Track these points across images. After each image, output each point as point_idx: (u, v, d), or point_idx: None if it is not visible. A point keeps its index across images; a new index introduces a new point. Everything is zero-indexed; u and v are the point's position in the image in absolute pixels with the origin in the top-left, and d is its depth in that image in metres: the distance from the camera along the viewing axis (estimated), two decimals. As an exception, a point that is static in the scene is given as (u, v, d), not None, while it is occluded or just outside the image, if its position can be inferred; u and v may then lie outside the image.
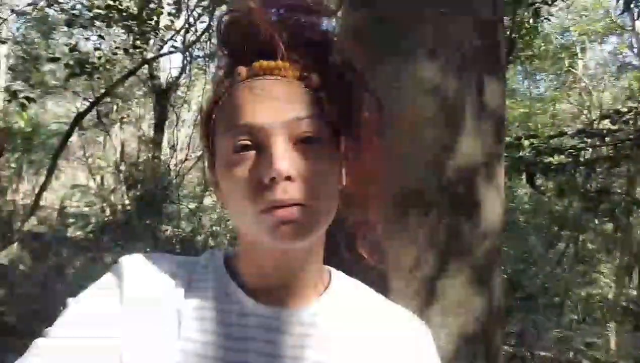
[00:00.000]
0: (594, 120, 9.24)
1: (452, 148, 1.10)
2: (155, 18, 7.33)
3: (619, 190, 6.83)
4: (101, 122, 9.01)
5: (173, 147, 9.37)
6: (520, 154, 4.08)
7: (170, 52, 8.87)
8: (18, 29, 8.98)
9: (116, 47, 7.64)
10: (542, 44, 9.85)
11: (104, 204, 8.41)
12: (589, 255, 9.10)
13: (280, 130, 0.52)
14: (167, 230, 8.00)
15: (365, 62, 0.62)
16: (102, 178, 9.67)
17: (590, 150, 5.21)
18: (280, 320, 0.57)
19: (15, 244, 7.06)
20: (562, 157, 4.01)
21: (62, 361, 0.50)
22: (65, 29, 7.94)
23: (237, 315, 0.57)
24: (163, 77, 9.49)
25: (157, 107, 9.21)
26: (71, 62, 6.37)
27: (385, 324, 0.62)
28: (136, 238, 7.12)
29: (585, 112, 10.51)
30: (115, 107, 9.94)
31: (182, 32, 8.85)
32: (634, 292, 8.00)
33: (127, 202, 8.37)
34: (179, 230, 8.10)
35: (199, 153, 9.04)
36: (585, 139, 4.04)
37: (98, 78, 7.66)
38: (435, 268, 1.06)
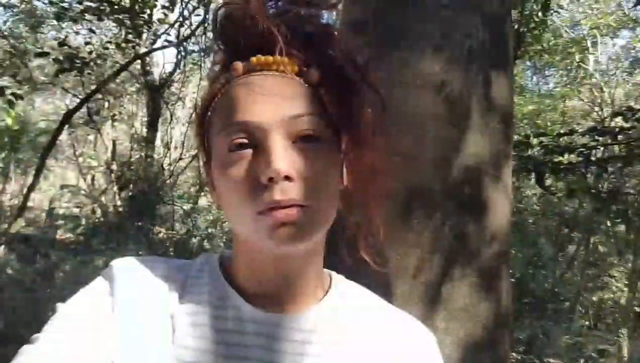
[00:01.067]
0: (606, 117, 9.22)
1: (458, 147, 1.08)
2: (148, 11, 7.29)
3: (632, 191, 6.78)
4: (92, 120, 8.99)
5: (167, 146, 9.40)
6: (529, 152, 4.02)
7: (164, 47, 8.87)
8: (5, 22, 8.99)
9: (107, 42, 7.76)
10: (552, 38, 9.85)
11: (95, 205, 8.39)
12: (600, 258, 9.10)
13: (279, 128, 0.51)
14: (160, 232, 7.98)
15: (368, 57, 0.61)
16: (92, 178, 9.68)
17: (602, 148, 5.11)
18: (279, 326, 0.56)
19: (2, 247, 7.10)
20: (573, 156, 3.93)
21: None
22: (55, 22, 7.88)
23: (234, 321, 0.55)
24: (156, 73, 9.50)
25: (150, 103, 9.26)
26: (60, 57, 6.44)
27: (388, 330, 0.61)
28: (128, 241, 7.26)
29: (596, 109, 10.53)
30: (106, 104, 10.01)
31: (176, 25, 8.96)
32: (648, 297, 7.84)
33: (118, 202, 8.39)
34: (173, 232, 8.13)
35: (193, 152, 9.04)
36: (596, 137, 3.95)
37: (88, 74, 7.66)
38: (440, 272, 1.04)
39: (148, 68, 9.17)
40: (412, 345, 0.61)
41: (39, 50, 7.52)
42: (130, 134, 9.81)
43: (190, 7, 8.64)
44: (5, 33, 8.40)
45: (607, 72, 11.16)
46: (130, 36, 7.22)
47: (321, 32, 0.57)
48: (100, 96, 9.09)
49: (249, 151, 0.52)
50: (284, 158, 0.50)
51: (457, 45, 1.11)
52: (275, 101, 0.52)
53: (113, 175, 8.66)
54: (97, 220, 8.30)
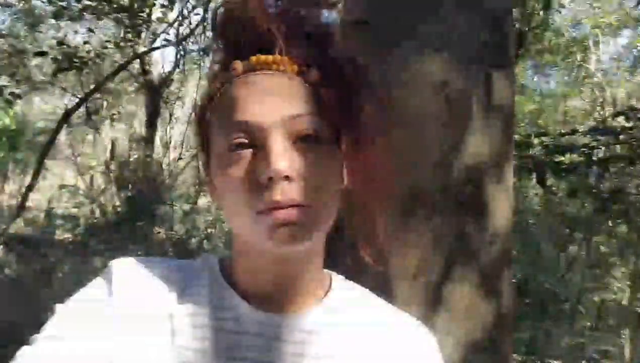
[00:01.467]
0: (608, 117, 9.16)
1: (459, 147, 1.08)
2: (147, 10, 7.27)
3: (634, 191, 6.71)
4: (90, 119, 8.99)
5: (166, 146, 9.35)
6: (530, 152, 4.00)
7: (163, 46, 8.89)
8: (3, 21, 9.01)
9: (106, 41, 7.77)
10: (553, 37, 9.84)
11: (94, 205, 8.34)
12: (602, 258, 9.06)
13: (278, 128, 0.51)
14: (159, 232, 7.94)
15: (368, 57, 0.61)
16: (91, 178, 9.66)
17: (604, 148, 5.06)
18: (279, 327, 0.56)
19: (1, 247, 7.00)
20: (574, 156, 3.94)
21: None
22: (53, 21, 7.86)
23: (233, 322, 0.55)
24: (155, 72, 9.48)
25: (149, 103, 9.24)
26: (59, 57, 6.50)
27: (388, 331, 0.61)
28: (127, 241, 7.22)
29: (598, 108, 10.50)
30: (105, 104, 9.99)
31: (176, 24, 8.99)
32: (650, 298, 7.81)
33: (117, 203, 8.34)
34: (172, 232, 8.05)
35: (193, 152, 8.97)
36: (598, 137, 3.93)
37: (87, 73, 7.66)
38: (441, 273, 1.04)
39: (147, 67, 9.15)
40: (413, 346, 0.61)
41: (38, 49, 7.53)
42: (129, 133, 9.82)
43: (189, 5, 8.65)
44: (4, 32, 8.42)
45: (609, 72, 11.21)
46: (129, 35, 7.23)
47: (321, 31, 0.57)
48: (99, 95, 9.11)
49: (249, 151, 0.52)
50: (283, 158, 0.50)
51: (458, 45, 1.11)
52: (275, 101, 0.52)
53: (112, 175, 8.62)
54: (95, 220, 8.26)
